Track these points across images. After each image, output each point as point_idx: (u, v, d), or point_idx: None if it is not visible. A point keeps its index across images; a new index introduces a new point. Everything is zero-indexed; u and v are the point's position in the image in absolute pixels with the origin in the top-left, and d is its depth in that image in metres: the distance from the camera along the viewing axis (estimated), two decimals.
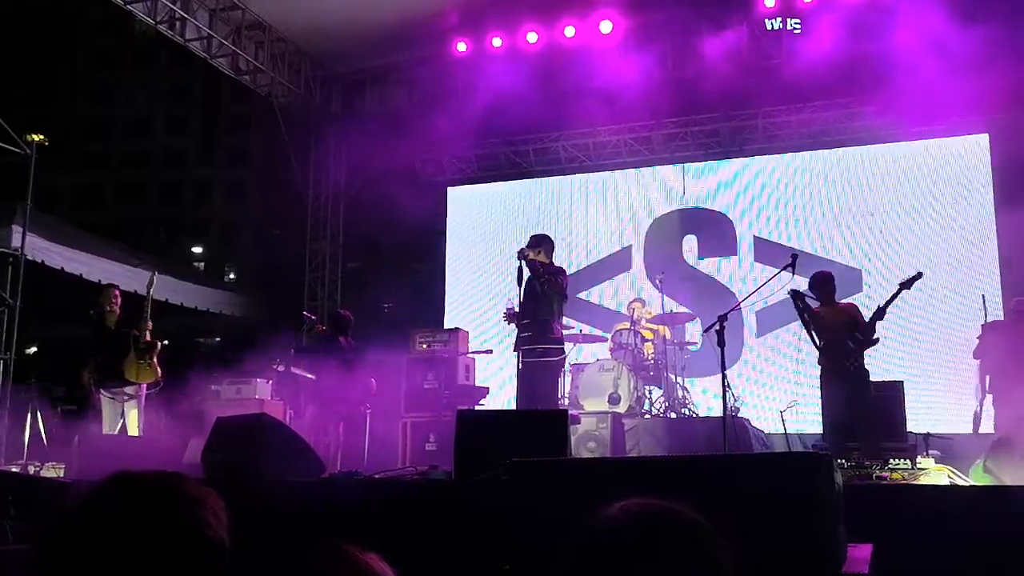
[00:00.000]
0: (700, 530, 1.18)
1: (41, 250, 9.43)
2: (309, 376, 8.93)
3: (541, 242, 7.52)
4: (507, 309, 7.52)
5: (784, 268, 7.03)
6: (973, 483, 5.87)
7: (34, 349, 9.90)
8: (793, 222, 11.07)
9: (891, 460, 6.17)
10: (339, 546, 1.30)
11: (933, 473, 5.99)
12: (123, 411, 8.33)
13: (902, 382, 8.14)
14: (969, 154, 10.60)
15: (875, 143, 10.95)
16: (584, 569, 1.18)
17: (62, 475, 7.16)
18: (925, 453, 7.12)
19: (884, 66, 9.83)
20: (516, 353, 7.15)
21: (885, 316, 7.22)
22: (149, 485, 1.49)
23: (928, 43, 9.20)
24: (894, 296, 7.20)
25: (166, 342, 9.02)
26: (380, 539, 1.42)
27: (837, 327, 7.35)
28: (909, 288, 7.19)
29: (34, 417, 8.77)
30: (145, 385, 8.53)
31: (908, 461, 6.19)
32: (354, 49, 11.63)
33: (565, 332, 7.84)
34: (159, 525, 1.41)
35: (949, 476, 5.96)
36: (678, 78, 10.70)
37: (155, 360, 8.21)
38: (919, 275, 7.17)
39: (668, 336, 9.52)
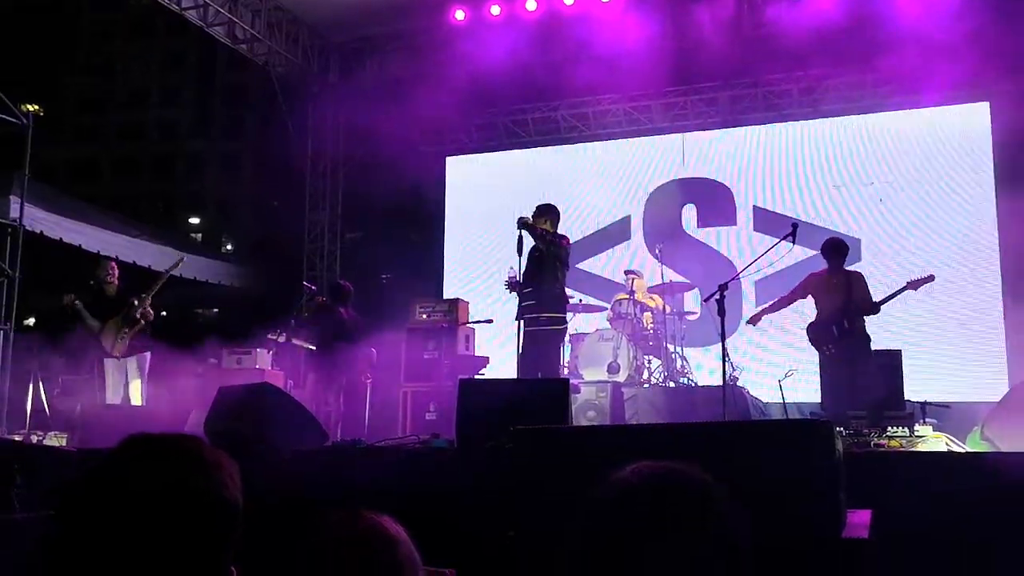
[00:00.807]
0: (712, 490, 1.21)
1: (40, 220, 9.42)
2: (309, 347, 8.97)
3: (546, 211, 7.55)
4: (509, 277, 7.53)
5: (784, 237, 7.04)
6: (970, 450, 5.92)
7: (32, 320, 9.89)
8: (793, 191, 11.05)
9: (889, 428, 6.21)
10: (355, 510, 1.32)
11: (931, 441, 6.03)
12: (127, 380, 8.38)
13: (900, 350, 8.17)
14: (969, 123, 10.56)
15: (874, 112, 10.92)
16: (599, 531, 1.20)
17: (65, 444, 7.22)
18: (922, 421, 7.17)
19: (882, 33, 9.78)
20: (518, 321, 7.17)
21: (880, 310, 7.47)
22: (165, 447, 1.51)
23: (926, 9, 9.15)
24: (898, 292, 7.44)
25: (164, 313, 9.04)
26: (384, 507, 1.44)
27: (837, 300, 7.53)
28: (915, 289, 7.43)
29: (36, 386, 8.81)
30: (149, 355, 8.58)
31: (906, 429, 6.24)
32: (352, 17, 11.53)
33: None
34: (177, 486, 1.43)
35: (947, 443, 6.00)
36: (677, 46, 10.63)
37: (131, 334, 8.24)
38: (930, 278, 7.42)
39: (661, 306, 9.54)
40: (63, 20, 41.78)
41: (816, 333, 7.69)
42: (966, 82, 10.28)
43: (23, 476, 4.10)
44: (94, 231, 10.31)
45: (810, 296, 7.86)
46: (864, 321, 7.55)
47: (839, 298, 7.55)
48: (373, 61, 12.45)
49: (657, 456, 1.38)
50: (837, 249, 7.76)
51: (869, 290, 7.68)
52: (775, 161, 11.26)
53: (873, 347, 7.86)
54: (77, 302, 8.21)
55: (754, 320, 8.16)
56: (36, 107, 8.72)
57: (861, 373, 7.30)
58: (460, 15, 11.22)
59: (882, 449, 5.53)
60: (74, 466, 4.79)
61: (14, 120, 8.81)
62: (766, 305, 8.20)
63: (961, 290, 9.91)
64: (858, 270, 8.22)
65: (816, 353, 8.42)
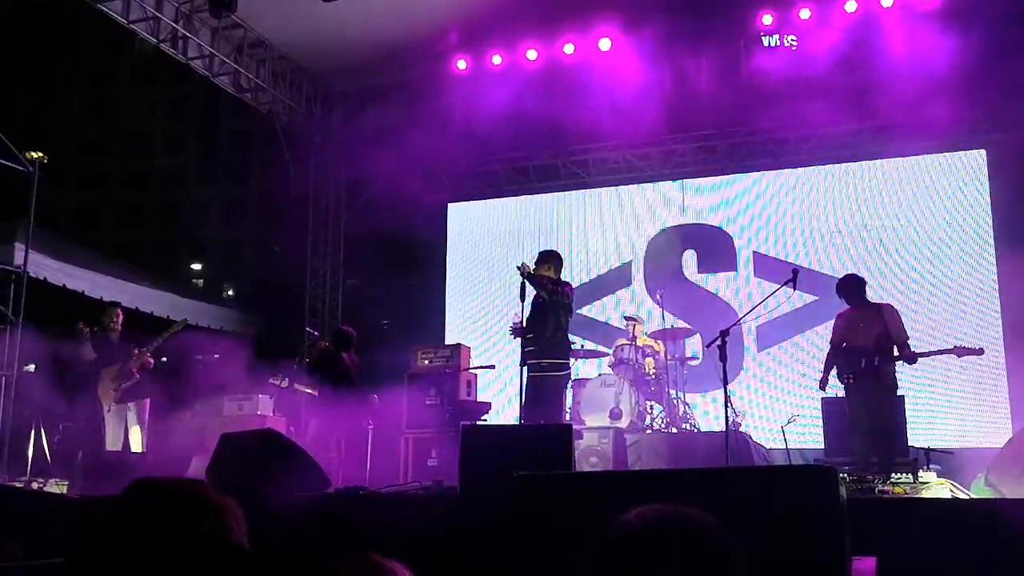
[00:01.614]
0: (716, 533, 1.23)
1: (44, 267, 9.47)
2: (311, 392, 8.96)
3: (549, 258, 7.60)
4: (513, 324, 7.56)
5: (785, 283, 7.07)
6: (975, 496, 5.89)
7: (33, 367, 9.90)
8: (792, 237, 11.13)
9: (893, 474, 6.20)
10: (367, 555, 1.33)
11: (935, 487, 6.01)
12: (126, 427, 8.39)
13: (903, 396, 8.18)
14: (966, 169, 10.67)
15: (870, 159, 11.03)
16: (605, 573, 1.22)
17: (66, 491, 7.19)
18: (926, 467, 7.15)
19: (880, 82, 9.94)
20: (521, 367, 7.18)
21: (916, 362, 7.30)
22: (172, 492, 1.53)
23: (923, 59, 9.29)
24: (941, 352, 7.34)
25: (164, 359, 9.07)
26: (387, 554, 1.45)
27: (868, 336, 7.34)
28: (959, 356, 7.30)
29: (37, 433, 8.79)
30: (149, 402, 8.60)
31: (910, 475, 6.22)
32: (355, 66, 11.71)
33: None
34: (184, 530, 1.45)
35: (951, 490, 5.98)
36: (676, 95, 10.79)
37: (127, 385, 8.31)
38: (979, 351, 7.27)
39: (663, 351, 9.56)
40: (64, 65, 42.28)
41: (845, 361, 7.38)
42: (962, 129, 10.43)
43: (24, 523, 4.09)
44: (97, 277, 10.37)
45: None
46: (895, 365, 7.32)
47: (872, 332, 7.30)
48: (375, 109, 12.60)
49: (661, 501, 1.40)
50: (848, 285, 7.59)
51: (903, 328, 7.40)
52: (774, 207, 11.35)
53: None
54: (86, 330, 8.32)
55: (824, 385, 7.70)
56: (41, 154, 8.82)
57: (881, 417, 7.15)
58: (462, 64, 11.40)
59: (886, 496, 5.51)
60: (77, 513, 4.77)
61: (20, 168, 8.89)
62: (825, 367, 7.67)
63: (962, 335, 9.93)
64: (890, 304, 7.95)
65: (819, 400, 8.44)
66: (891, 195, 10.86)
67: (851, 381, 7.27)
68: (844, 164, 11.16)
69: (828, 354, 7.64)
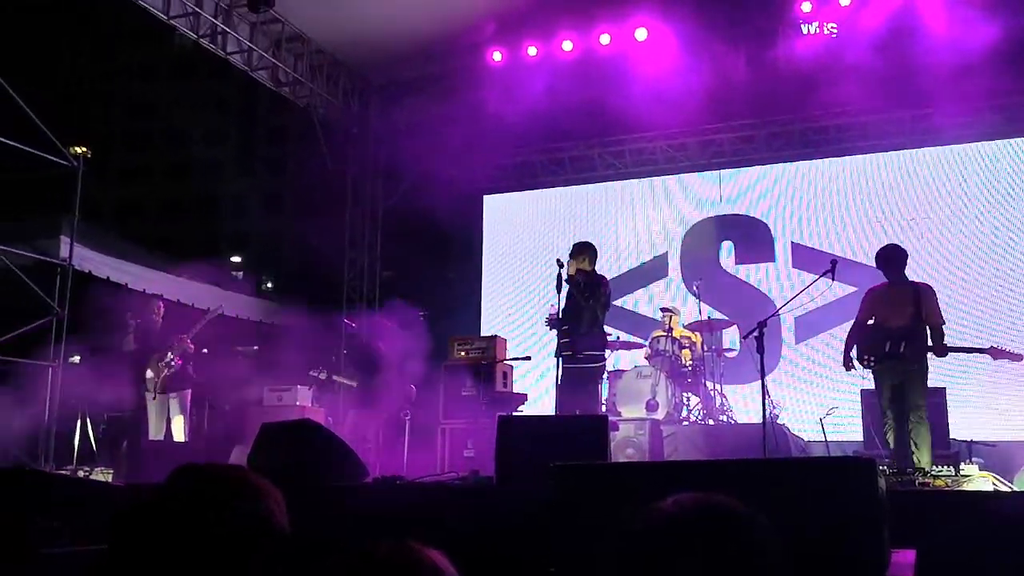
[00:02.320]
0: (753, 521, 1.23)
1: (88, 260, 9.64)
2: (351, 383, 9.04)
3: (584, 250, 7.56)
4: (549, 315, 7.55)
5: (823, 274, 6.99)
6: (1018, 490, 5.81)
7: (78, 358, 10.13)
8: (831, 227, 11.01)
9: (934, 466, 6.13)
10: (406, 543, 1.34)
11: (977, 480, 5.93)
12: (169, 417, 8.54)
13: (944, 388, 8.07)
14: (1015, 157, 10.46)
15: (913, 147, 10.87)
16: (638, 560, 1.23)
17: (111, 479, 7.34)
18: (968, 460, 7.05)
19: (924, 68, 9.74)
20: (557, 358, 7.18)
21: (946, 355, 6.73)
22: (215, 475, 1.56)
23: (968, 43, 9.11)
24: (974, 350, 6.84)
25: (205, 351, 9.21)
26: (424, 542, 1.46)
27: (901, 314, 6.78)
28: (995, 358, 6.67)
29: (83, 423, 8.97)
30: (190, 392, 8.76)
31: (951, 468, 6.15)
32: (391, 60, 11.76)
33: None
34: (228, 511, 1.48)
35: (993, 483, 5.90)
36: (714, 84, 10.68)
37: (170, 373, 8.45)
38: (1018, 356, 6.61)
39: (699, 343, 9.51)
40: (105, 60, 42.85)
41: (868, 342, 6.86)
42: (1010, 116, 10.22)
43: (70, 510, 4.19)
44: (140, 270, 10.53)
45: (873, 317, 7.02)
46: (926, 355, 6.70)
47: (906, 312, 6.72)
48: (411, 101, 12.65)
49: (697, 491, 1.40)
50: (890, 258, 7.00)
51: (940, 312, 6.79)
52: (813, 197, 11.24)
53: None
54: (132, 322, 8.49)
55: (848, 365, 7.00)
56: (84, 149, 8.96)
57: (911, 408, 6.61)
58: (497, 56, 11.40)
59: (927, 488, 5.44)
60: (123, 500, 4.87)
61: (64, 163, 9.05)
62: (846, 347, 7.08)
63: (1006, 328, 9.75)
64: (928, 283, 7.25)
65: (858, 392, 8.31)
66: (935, 185, 10.69)
67: (873, 364, 6.79)
68: (886, 153, 11.02)
69: (851, 331, 7.08)
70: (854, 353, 6.93)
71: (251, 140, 42.92)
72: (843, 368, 7.05)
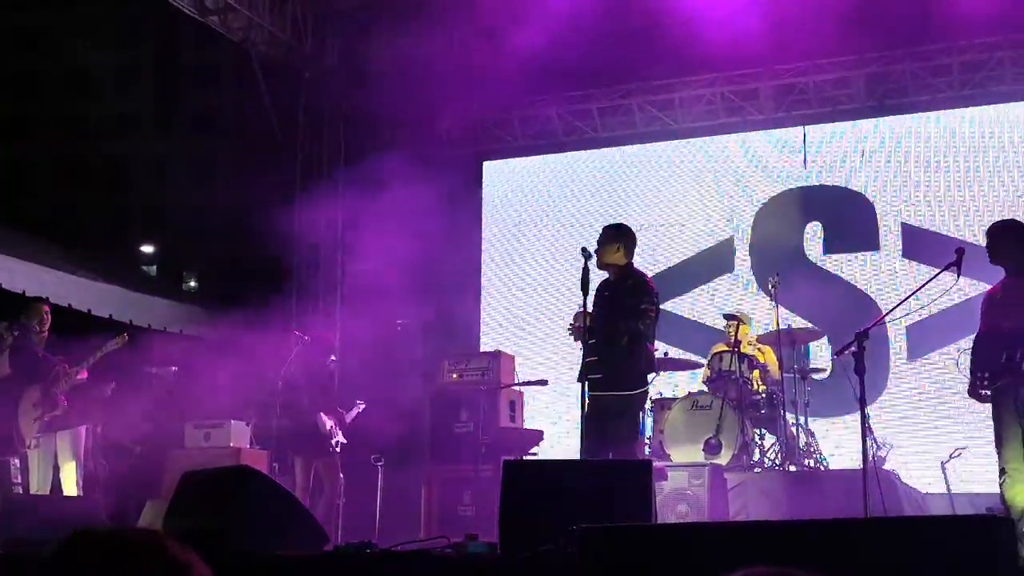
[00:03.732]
0: None
1: None
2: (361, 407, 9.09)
3: (618, 236, 7.48)
4: (574, 322, 7.49)
5: (947, 267, 6.95)
6: None
7: None
8: (956, 204, 10.98)
9: None
10: None
11: None
12: (56, 464, 8.57)
13: None
14: None
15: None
16: None
17: None
18: None
19: None
20: (581, 383, 7.18)
21: None
22: (123, 546, 1.57)
23: None
24: None
25: (113, 385, 9.25)
26: None
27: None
28: None
29: None
30: (84, 431, 8.79)
31: None
32: None
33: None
34: None
35: None
36: (792, 11, 10.67)
37: (40, 415, 8.50)
38: None
39: (776, 362, 9.51)
40: None
41: (978, 352, 6.82)
42: None
43: None
44: (20, 265, 10.56)
45: None
46: None
47: (1021, 312, 6.66)
48: (383, 35, 12.64)
49: (771, 563, 1.40)
50: (1002, 237, 6.89)
51: None
52: (931, 163, 11.22)
53: None
54: (8, 336, 8.52)
55: (977, 392, 6.88)
56: None
57: None
58: None
59: None
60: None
61: None
62: (970, 367, 6.97)
63: None
64: None
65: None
66: None
67: (984, 382, 6.69)
68: None
69: (973, 347, 6.99)
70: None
71: (170, 88, 43.03)
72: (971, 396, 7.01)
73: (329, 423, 8.83)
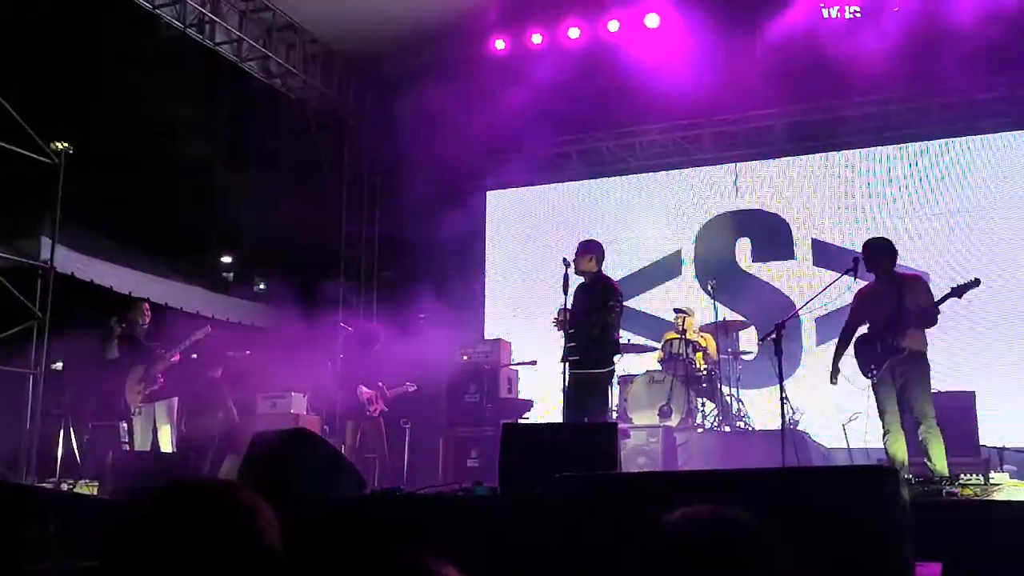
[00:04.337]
0: (762, 535, 1.24)
1: (71, 262, 9.67)
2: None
3: (590, 249, 7.53)
4: (558, 316, 7.52)
5: (846, 272, 7.00)
6: None
7: (60, 364, 10.18)
8: (854, 223, 10.97)
9: (962, 475, 6.13)
10: (419, 554, 1.35)
11: (1008, 489, 5.94)
12: (155, 427, 8.59)
13: (973, 392, 8.06)
14: None
15: (938, 138, 10.81)
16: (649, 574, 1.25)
17: (95, 492, 7.37)
18: (999, 468, 7.05)
19: (951, 54, 9.73)
20: (563, 364, 7.18)
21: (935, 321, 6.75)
22: (204, 493, 1.58)
23: (989, 31, 9.11)
24: (942, 300, 6.73)
25: (195, 356, 9.25)
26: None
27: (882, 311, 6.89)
28: (959, 296, 6.68)
29: (66, 433, 9.01)
30: (176, 400, 8.79)
31: (980, 476, 6.15)
32: (389, 50, 11.79)
33: None
34: (217, 531, 1.50)
35: None
36: (728, 73, 10.67)
37: (143, 389, 8.52)
38: (976, 282, 6.68)
39: (714, 346, 9.52)
40: (86, 48, 42.88)
41: (859, 352, 6.97)
42: None
43: (57, 524, 4.22)
44: (125, 272, 10.56)
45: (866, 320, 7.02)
46: (923, 342, 6.75)
47: (887, 308, 6.80)
48: (409, 94, 12.63)
49: (711, 503, 1.42)
50: (875, 251, 7.00)
51: (930, 296, 6.82)
52: (834, 191, 11.22)
53: (944, 389, 7.68)
54: (117, 328, 8.55)
55: (834, 377, 7.14)
56: (65, 145, 8.99)
57: (914, 400, 6.64)
58: (500, 44, 11.41)
59: (955, 498, 5.45)
60: (110, 514, 4.91)
61: (45, 159, 9.07)
62: (833, 356, 7.22)
63: None
64: (918, 273, 7.51)
65: None
66: (964, 177, 10.63)
67: (873, 374, 6.82)
68: (911, 144, 10.95)
69: (841, 336, 7.18)
70: (844, 364, 7.00)
71: (241, 134, 42.95)
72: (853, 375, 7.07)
73: (368, 393, 8.81)
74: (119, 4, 10.06)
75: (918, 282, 7.10)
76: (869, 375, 6.88)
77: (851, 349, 7.06)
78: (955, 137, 10.75)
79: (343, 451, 7.57)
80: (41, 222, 9.39)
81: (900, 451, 6.68)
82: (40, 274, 8.96)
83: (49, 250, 9.05)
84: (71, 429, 9.06)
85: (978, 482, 5.94)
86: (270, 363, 9.93)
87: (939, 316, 6.79)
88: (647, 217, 12.06)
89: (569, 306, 7.33)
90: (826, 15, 10.28)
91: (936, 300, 6.76)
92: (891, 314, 6.77)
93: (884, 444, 6.79)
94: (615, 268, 10.36)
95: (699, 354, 9.43)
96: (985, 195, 10.52)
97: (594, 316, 7.25)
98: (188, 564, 1.46)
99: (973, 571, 3.67)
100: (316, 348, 10.16)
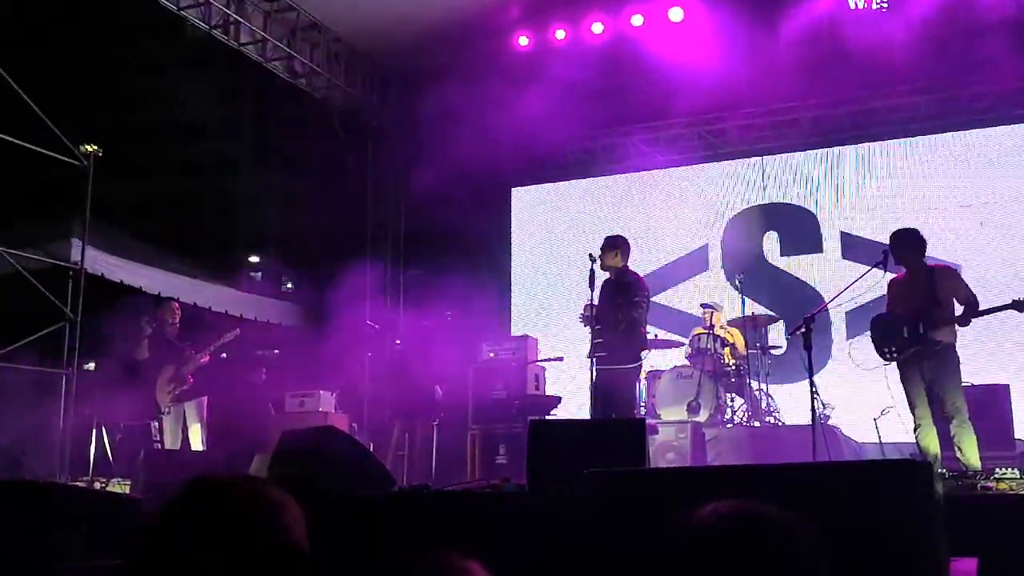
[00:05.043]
0: (792, 530, 1.23)
1: (100, 263, 9.77)
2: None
3: (616, 244, 7.52)
4: (584, 311, 7.51)
5: (876, 265, 6.94)
6: None
7: (92, 365, 10.33)
8: (883, 215, 10.84)
9: (997, 469, 6.06)
10: (449, 554, 1.34)
11: None
12: (185, 425, 8.67)
13: (1007, 385, 7.96)
14: None
15: (969, 128, 10.68)
16: (678, 572, 1.23)
17: (128, 491, 7.45)
18: None
19: (980, 42, 9.60)
20: (590, 360, 7.17)
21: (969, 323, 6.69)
22: (231, 490, 1.58)
23: (1021, 17, 8.97)
24: (1000, 309, 6.68)
25: (224, 356, 9.32)
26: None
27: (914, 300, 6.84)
28: (1020, 311, 6.56)
29: (98, 432, 9.11)
30: (206, 399, 8.87)
31: (1016, 470, 6.07)
32: (412, 48, 11.79)
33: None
34: (242, 529, 1.50)
35: None
36: (754, 66, 10.59)
37: (172, 389, 8.60)
38: None
39: (742, 341, 9.46)
40: (114, 51, 43.22)
41: (880, 331, 6.96)
42: None
43: (88, 523, 4.26)
44: (155, 273, 10.66)
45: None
46: (952, 334, 6.71)
47: (919, 298, 6.76)
48: (433, 91, 12.64)
49: (740, 498, 1.40)
50: (903, 242, 6.98)
51: (965, 290, 6.78)
52: (863, 184, 11.11)
53: (978, 381, 7.58)
54: (148, 328, 8.64)
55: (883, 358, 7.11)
56: (95, 147, 9.08)
57: (945, 393, 6.59)
58: (524, 41, 11.38)
59: (990, 492, 5.38)
60: (141, 513, 4.95)
61: (75, 162, 9.16)
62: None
63: None
64: (952, 265, 7.44)
65: None
66: (995, 167, 10.50)
67: (892, 355, 6.81)
68: (940, 134, 10.83)
69: (872, 326, 7.21)
70: (858, 348, 7.06)
71: (267, 134, 43.11)
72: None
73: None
74: (145, 6, 10.11)
75: (951, 273, 7.05)
76: (888, 357, 6.80)
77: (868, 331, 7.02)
78: (986, 128, 10.62)
79: (372, 449, 7.59)
80: (71, 224, 9.49)
81: (932, 445, 6.61)
82: (71, 275, 9.06)
83: (80, 252, 9.15)
84: (103, 428, 9.16)
85: (1014, 476, 5.86)
86: (298, 361, 9.99)
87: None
88: (673, 212, 12.01)
89: (595, 302, 7.30)
90: (852, 5, 10.17)
91: (992, 307, 6.72)
92: (923, 305, 6.70)
93: (916, 438, 6.73)
94: (641, 263, 10.31)
95: (727, 349, 9.36)
96: (1018, 185, 10.37)
97: (621, 312, 7.23)
98: (214, 561, 1.47)
99: (1009, 565, 3.62)
100: (342, 347, 10.19)
